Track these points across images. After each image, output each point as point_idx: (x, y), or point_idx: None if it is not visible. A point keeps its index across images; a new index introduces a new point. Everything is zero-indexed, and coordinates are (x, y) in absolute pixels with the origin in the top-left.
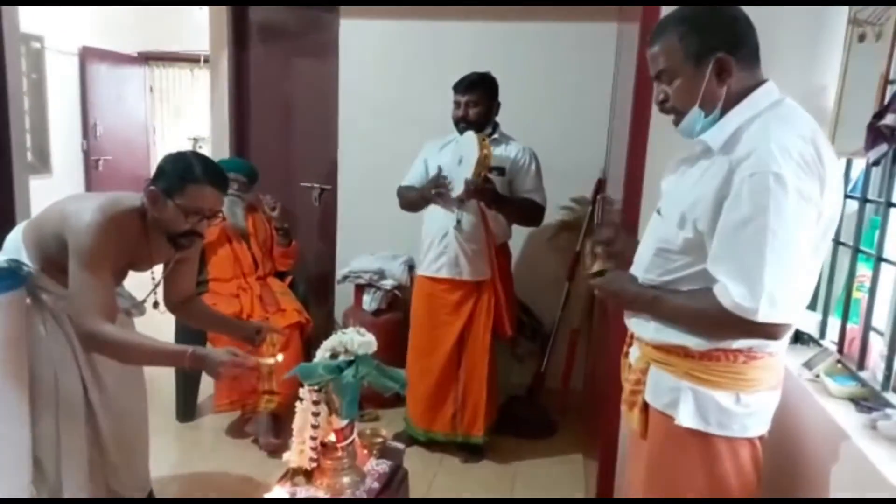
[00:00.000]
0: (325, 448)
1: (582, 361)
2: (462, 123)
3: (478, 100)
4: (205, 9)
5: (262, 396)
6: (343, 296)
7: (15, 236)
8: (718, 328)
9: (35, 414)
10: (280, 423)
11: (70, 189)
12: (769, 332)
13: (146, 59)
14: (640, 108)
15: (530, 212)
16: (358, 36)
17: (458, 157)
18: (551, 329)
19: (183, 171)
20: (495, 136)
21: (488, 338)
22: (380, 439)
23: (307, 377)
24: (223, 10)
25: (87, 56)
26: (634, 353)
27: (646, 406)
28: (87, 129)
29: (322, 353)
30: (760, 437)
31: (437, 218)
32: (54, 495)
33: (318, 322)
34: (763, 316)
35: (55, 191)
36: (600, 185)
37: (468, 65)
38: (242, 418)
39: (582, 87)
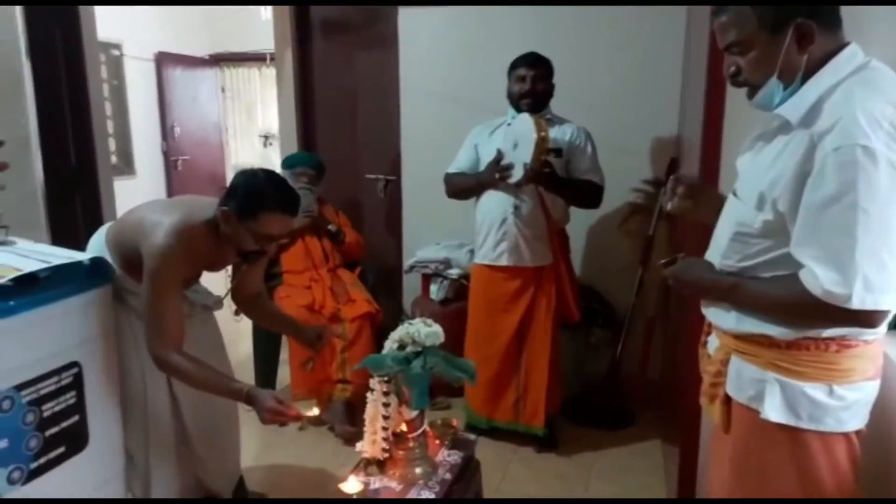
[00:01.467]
0: (396, 438)
1: (659, 349)
2: (527, 99)
3: (544, 74)
4: (269, 8)
5: (335, 385)
6: (411, 285)
7: (98, 238)
8: (807, 317)
9: (125, 408)
10: (354, 411)
11: (153, 189)
12: (865, 319)
13: (217, 60)
14: (714, 83)
15: (590, 193)
16: (417, 25)
17: (512, 140)
18: (625, 316)
19: (255, 197)
20: (549, 116)
21: (550, 324)
22: (451, 430)
23: (376, 368)
24: (286, 9)
25: (163, 61)
26: (713, 343)
27: (728, 399)
28: (165, 130)
29: (390, 345)
30: (858, 432)
31: (493, 204)
32: (145, 487)
33: (387, 312)
34: (858, 303)
35: (139, 191)
36: (673, 165)
37: (531, 47)
38: (321, 405)
39: (651, 62)
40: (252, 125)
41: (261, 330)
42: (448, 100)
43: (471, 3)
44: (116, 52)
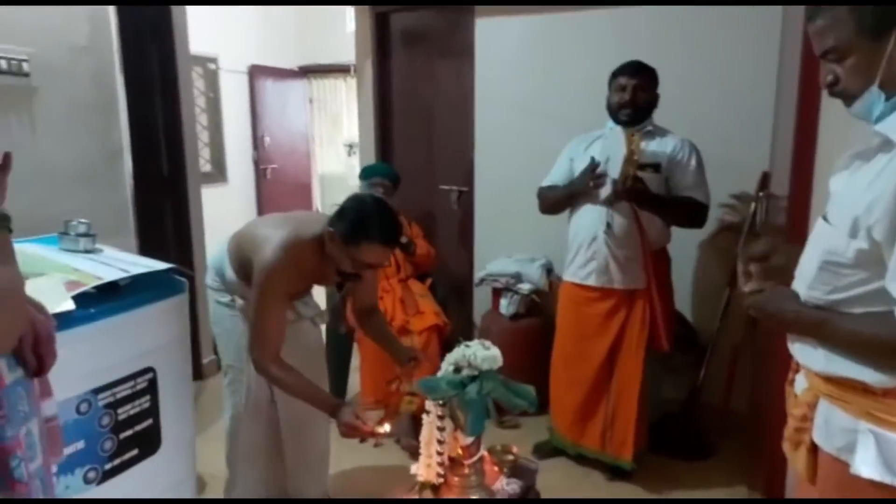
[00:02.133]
0: (452, 463)
1: (746, 378)
2: (627, 109)
3: (646, 85)
4: (353, 20)
5: (403, 398)
6: (482, 298)
7: (221, 246)
8: None
9: (229, 400)
10: (420, 425)
11: (243, 196)
12: None
13: (305, 72)
14: (807, 92)
15: (691, 211)
16: (493, 34)
17: (605, 155)
18: (709, 340)
19: (360, 225)
20: (649, 128)
21: (642, 353)
22: (511, 457)
23: (430, 391)
24: (368, 21)
25: (255, 73)
26: (801, 383)
27: (814, 447)
28: (256, 140)
29: (446, 367)
30: None
31: (585, 221)
32: (229, 486)
33: (456, 325)
34: None
35: (231, 198)
36: (765, 180)
37: (613, 56)
38: (386, 418)
39: (742, 71)
40: (337, 134)
41: (335, 337)
42: (522, 110)
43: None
44: (213, 66)
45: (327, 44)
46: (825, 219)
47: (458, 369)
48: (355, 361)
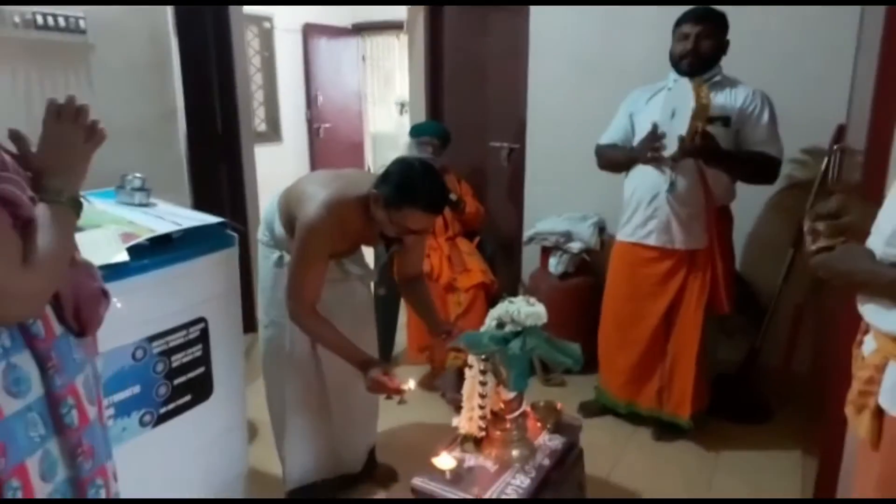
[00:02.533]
0: (494, 417)
1: (808, 341)
2: (688, 59)
3: (712, 32)
4: None
5: (448, 352)
6: (530, 257)
7: (273, 201)
8: None
9: (268, 363)
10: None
11: (297, 155)
12: None
13: (359, 29)
14: (893, 42)
15: (762, 167)
16: None
17: (670, 108)
18: (769, 301)
19: (404, 190)
20: (717, 78)
21: (701, 314)
22: (555, 413)
23: (473, 346)
24: None
25: (309, 32)
26: (869, 345)
27: (880, 411)
28: (309, 98)
29: (489, 322)
30: None
31: (645, 177)
32: (280, 442)
33: (505, 283)
34: None
35: (284, 156)
36: (840, 134)
37: (677, 5)
38: (432, 373)
39: (820, 16)
40: (390, 93)
41: (382, 296)
42: (577, 64)
43: None
44: (268, 25)
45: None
46: None
47: (501, 325)
48: (402, 319)
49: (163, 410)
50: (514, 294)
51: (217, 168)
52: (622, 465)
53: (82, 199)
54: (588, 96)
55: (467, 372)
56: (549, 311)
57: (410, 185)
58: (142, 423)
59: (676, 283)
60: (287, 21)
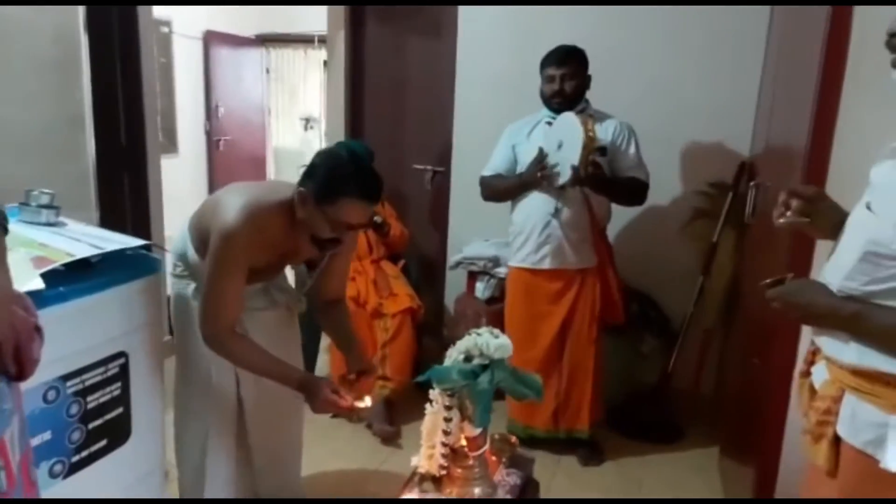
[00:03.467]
0: (455, 454)
1: (714, 363)
2: (556, 99)
3: (573, 72)
4: None
5: (375, 382)
6: (454, 281)
7: (182, 228)
8: None
9: (187, 403)
10: (393, 410)
11: (195, 168)
12: None
13: (263, 41)
14: (829, 81)
15: (636, 190)
16: (478, 11)
17: (556, 140)
18: (680, 326)
19: (336, 180)
20: (590, 113)
21: (595, 326)
22: (510, 447)
23: (441, 381)
24: None
25: (210, 39)
26: (820, 375)
27: (837, 440)
28: (209, 110)
29: (456, 356)
30: None
31: (534, 206)
32: (196, 486)
33: (429, 307)
34: None
35: (181, 170)
36: (744, 169)
37: (596, 34)
38: (350, 417)
39: (721, 56)
40: (294, 107)
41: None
42: (507, 90)
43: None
44: (166, 30)
45: (289, 12)
46: (868, 208)
47: (468, 358)
48: (326, 341)
49: (75, 458)
50: (439, 319)
51: (121, 182)
52: (554, 492)
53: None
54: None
55: (428, 408)
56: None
57: (342, 174)
58: (52, 475)
59: (569, 299)
60: (187, 27)
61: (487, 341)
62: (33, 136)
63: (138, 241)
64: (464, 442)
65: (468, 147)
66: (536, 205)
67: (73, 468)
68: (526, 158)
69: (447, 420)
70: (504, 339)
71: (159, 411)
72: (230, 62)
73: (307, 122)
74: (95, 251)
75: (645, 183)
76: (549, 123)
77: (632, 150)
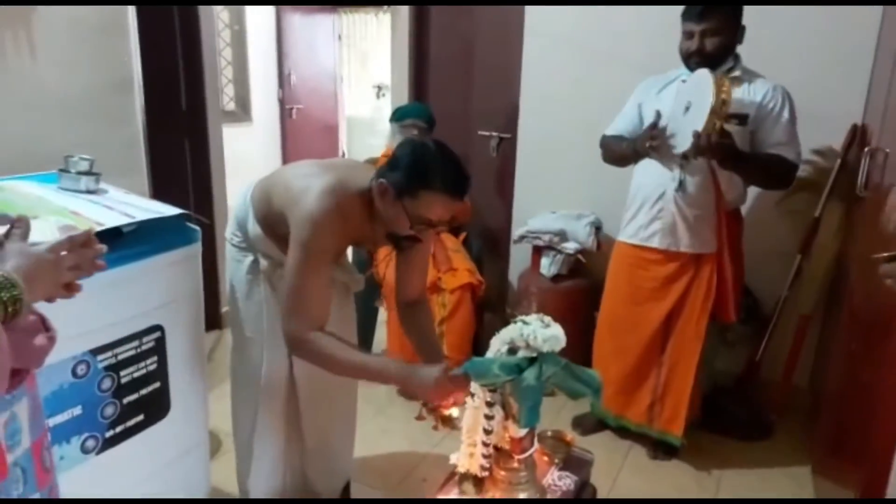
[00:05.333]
0: (498, 454)
1: (810, 353)
2: (695, 58)
3: (718, 27)
4: None
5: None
6: (520, 256)
7: (244, 195)
8: None
9: (239, 377)
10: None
11: (267, 137)
12: None
13: (335, 5)
14: None
15: (779, 173)
16: None
17: (684, 101)
18: (772, 311)
19: (420, 173)
20: (736, 72)
21: (704, 322)
22: (565, 446)
23: (480, 376)
24: None
25: (283, 6)
26: None
27: None
28: (282, 78)
29: (498, 346)
30: None
31: (652, 174)
32: (247, 463)
33: (491, 283)
34: None
35: (255, 138)
36: (857, 134)
37: None
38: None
39: (835, 9)
40: (366, 74)
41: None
42: (577, 51)
43: None
44: None
45: None
46: None
47: (513, 350)
48: (383, 315)
49: (110, 434)
50: (503, 296)
51: (180, 149)
52: (619, 488)
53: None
54: (588, 84)
55: (469, 401)
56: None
57: (426, 166)
58: (84, 450)
59: (679, 289)
60: None
61: (535, 331)
62: (77, 100)
63: (175, 210)
64: (508, 441)
65: (536, 112)
66: (653, 174)
67: (109, 443)
68: (651, 119)
69: (488, 418)
70: (556, 330)
71: (201, 385)
72: (302, 28)
73: (379, 89)
74: (127, 220)
75: (793, 163)
76: (685, 82)
77: (783, 121)
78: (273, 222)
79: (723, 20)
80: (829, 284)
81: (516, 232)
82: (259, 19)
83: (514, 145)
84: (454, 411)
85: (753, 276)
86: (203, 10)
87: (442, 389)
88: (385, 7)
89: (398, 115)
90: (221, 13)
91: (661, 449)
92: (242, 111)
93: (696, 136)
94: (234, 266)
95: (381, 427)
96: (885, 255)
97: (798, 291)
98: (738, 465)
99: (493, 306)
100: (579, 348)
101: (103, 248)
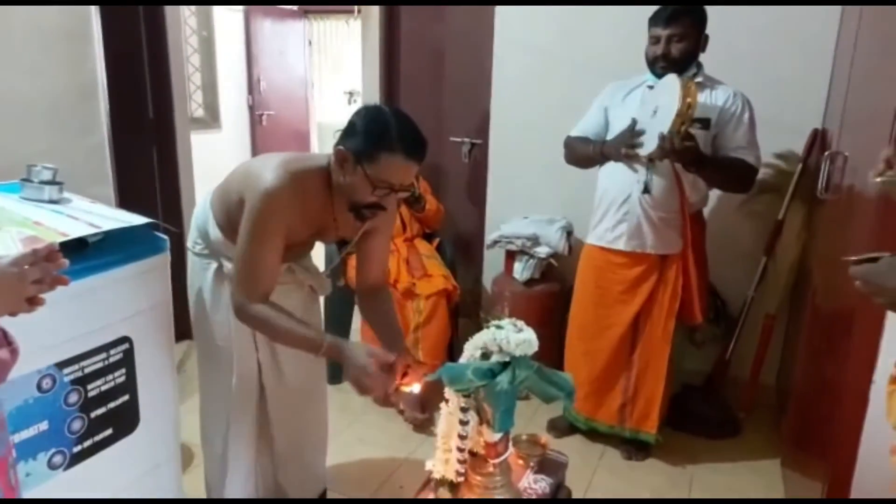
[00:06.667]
0: (474, 459)
1: (777, 352)
2: (661, 63)
3: (684, 33)
4: None
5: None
6: (493, 261)
7: (204, 202)
8: None
9: (209, 387)
10: (426, 396)
11: (237, 143)
12: None
13: (305, 12)
14: None
15: (739, 175)
16: None
17: (651, 106)
18: (739, 311)
19: (378, 135)
20: (699, 78)
21: (672, 323)
22: (540, 449)
23: (454, 381)
24: None
25: (252, 12)
26: None
27: None
28: (251, 84)
29: (471, 351)
30: None
31: (617, 178)
32: (219, 475)
33: (465, 288)
34: None
35: (224, 146)
36: (817, 138)
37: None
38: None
39: (795, 15)
40: (337, 81)
41: (333, 296)
42: (546, 58)
43: None
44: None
45: None
46: None
47: (486, 355)
48: (356, 323)
49: (77, 449)
50: (476, 301)
51: (148, 157)
52: (595, 489)
53: None
54: (558, 90)
55: (443, 407)
56: (515, 319)
57: (384, 128)
58: (51, 466)
59: (646, 290)
60: None
61: (508, 336)
62: (40, 108)
63: (142, 219)
64: (483, 446)
65: (507, 118)
66: (621, 176)
67: (76, 458)
68: (617, 124)
69: (463, 423)
70: (528, 334)
71: (171, 398)
72: (272, 34)
73: (350, 95)
74: (92, 230)
75: (752, 167)
76: (651, 87)
77: (743, 126)
78: (235, 220)
79: (689, 26)
80: (794, 284)
81: (489, 237)
82: (228, 25)
83: (486, 151)
84: (414, 387)
85: (720, 278)
86: (170, 16)
87: (366, 375)
88: (355, 13)
89: None
90: (189, 19)
91: (635, 449)
92: (211, 118)
93: (662, 138)
94: (200, 275)
95: (357, 435)
96: (854, 257)
97: (763, 292)
98: (710, 462)
99: (468, 311)
100: (553, 352)
101: (66, 262)
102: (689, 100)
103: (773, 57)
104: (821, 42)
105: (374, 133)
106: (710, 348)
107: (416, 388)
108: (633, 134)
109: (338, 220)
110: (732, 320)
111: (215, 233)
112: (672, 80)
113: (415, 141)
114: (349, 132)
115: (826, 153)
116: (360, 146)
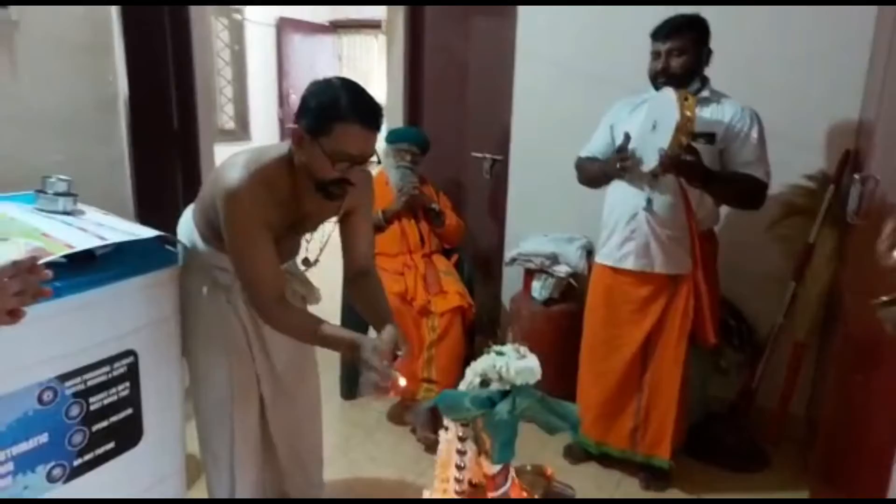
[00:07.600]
0: (473, 490)
1: (808, 381)
2: (661, 78)
3: (683, 47)
4: None
5: (420, 384)
6: (512, 279)
7: (186, 218)
8: None
9: (209, 407)
10: (438, 416)
11: None
12: None
13: (335, 27)
14: None
15: (748, 191)
16: None
17: (651, 120)
18: (767, 338)
19: (329, 107)
20: (704, 93)
21: (684, 345)
22: (544, 480)
23: (450, 410)
24: None
25: (283, 27)
26: None
27: None
28: (282, 97)
29: (471, 378)
30: None
31: (623, 196)
32: (230, 491)
33: (484, 305)
34: None
35: None
36: (849, 159)
37: (669, 10)
38: (403, 404)
39: (826, 35)
40: None
41: (351, 311)
42: (569, 74)
43: None
44: (238, 17)
45: None
46: None
47: (485, 382)
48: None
49: (78, 462)
50: (494, 320)
51: (171, 170)
52: None
53: None
54: (579, 107)
55: (442, 434)
56: (532, 339)
57: (332, 99)
58: (50, 479)
59: (657, 310)
60: (260, 14)
61: (508, 363)
62: (59, 119)
63: (151, 232)
64: (483, 477)
65: (527, 135)
66: (625, 195)
67: (76, 472)
68: (621, 141)
69: (460, 453)
70: (531, 362)
71: (177, 412)
72: (303, 49)
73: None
74: (99, 242)
75: (762, 183)
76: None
77: (752, 141)
78: (217, 227)
79: (688, 40)
80: (824, 311)
81: (508, 254)
82: (260, 40)
83: (507, 167)
84: (401, 381)
85: (747, 303)
86: (197, 29)
87: (377, 354)
88: (383, 27)
89: (392, 138)
90: (221, 32)
91: (654, 478)
92: (241, 129)
93: (661, 151)
94: (187, 291)
95: (368, 454)
96: (884, 299)
97: (793, 318)
98: (733, 494)
99: (485, 329)
100: (570, 373)
101: (48, 273)
102: (687, 113)
103: (805, 75)
104: (853, 61)
105: (324, 106)
106: (735, 376)
107: (402, 381)
108: (622, 148)
109: (309, 204)
110: (759, 346)
111: (203, 246)
112: (668, 94)
113: (367, 108)
114: (302, 110)
115: (857, 175)
116: (313, 122)
